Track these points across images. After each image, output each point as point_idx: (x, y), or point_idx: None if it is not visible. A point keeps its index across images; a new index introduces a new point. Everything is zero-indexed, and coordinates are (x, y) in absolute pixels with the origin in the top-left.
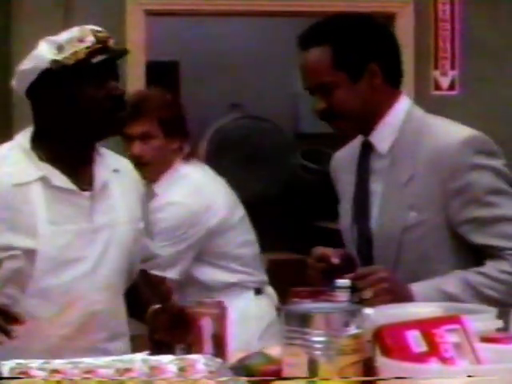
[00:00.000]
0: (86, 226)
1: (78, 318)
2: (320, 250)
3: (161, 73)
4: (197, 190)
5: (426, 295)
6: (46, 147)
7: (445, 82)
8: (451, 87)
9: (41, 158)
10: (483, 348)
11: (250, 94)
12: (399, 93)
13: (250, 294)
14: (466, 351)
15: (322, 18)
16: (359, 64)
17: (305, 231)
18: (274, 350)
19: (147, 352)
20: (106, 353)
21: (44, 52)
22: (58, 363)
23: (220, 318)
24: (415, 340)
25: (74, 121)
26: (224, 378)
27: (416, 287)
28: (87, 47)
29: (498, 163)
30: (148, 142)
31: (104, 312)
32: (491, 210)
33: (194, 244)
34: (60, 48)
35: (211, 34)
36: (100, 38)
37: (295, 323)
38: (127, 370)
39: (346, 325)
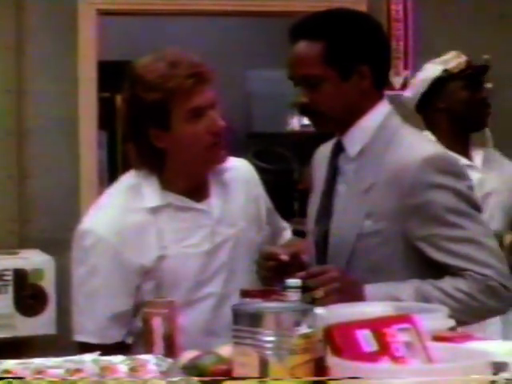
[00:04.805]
0: None
1: None
2: (268, 248)
3: (113, 72)
4: None
5: (377, 299)
6: None
7: (398, 81)
8: (404, 87)
9: None
10: (435, 347)
11: None
12: (382, 97)
13: None
14: (417, 350)
15: (318, 12)
16: (351, 63)
17: None
18: (225, 350)
19: (98, 352)
20: None
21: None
22: (9, 363)
23: (171, 317)
24: (366, 339)
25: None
26: (175, 378)
27: (369, 290)
28: (465, 61)
29: (461, 185)
30: None
31: None
32: (451, 229)
33: None
34: (444, 62)
35: (164, 34)
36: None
37: (245, 323)
38: (77, 371)
39: (297, 324)
